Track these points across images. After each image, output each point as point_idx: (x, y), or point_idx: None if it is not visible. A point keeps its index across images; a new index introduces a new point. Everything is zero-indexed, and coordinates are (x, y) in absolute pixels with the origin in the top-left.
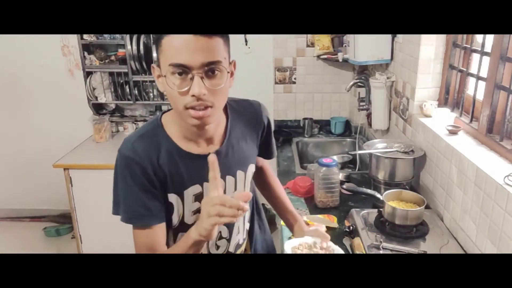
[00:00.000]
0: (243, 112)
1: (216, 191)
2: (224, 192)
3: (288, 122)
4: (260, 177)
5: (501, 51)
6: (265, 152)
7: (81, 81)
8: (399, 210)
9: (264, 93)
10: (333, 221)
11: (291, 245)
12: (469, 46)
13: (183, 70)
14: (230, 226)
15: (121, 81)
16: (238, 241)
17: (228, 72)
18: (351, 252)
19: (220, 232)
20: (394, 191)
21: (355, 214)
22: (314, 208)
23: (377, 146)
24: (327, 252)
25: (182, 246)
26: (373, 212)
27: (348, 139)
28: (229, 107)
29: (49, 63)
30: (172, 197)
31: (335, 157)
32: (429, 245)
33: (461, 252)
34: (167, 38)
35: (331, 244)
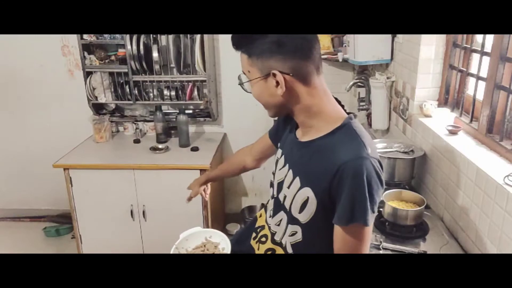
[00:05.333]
0: (343, 144)
1: None
2: (283, 180)
3: None
4: None
5: (501, 51)
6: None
7: (81, 81)
8: (399, 210)
9: None
10: None
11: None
12: (469, 46)
13: None
14: (275, 208)
15: (121, 81)
16: (275, 234)
17: (256, 79)
18: None
19: (269, 205)
20: (394, 191)
21: None
22: None
23: (377, 146)
24: None
25: None
26: None
27: None
28: (341, 128)
29: (49, 63)
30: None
31: None
32: (429, 245)
33: (461, 252)
34: None
35: None
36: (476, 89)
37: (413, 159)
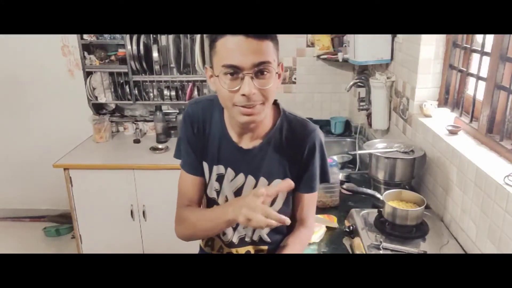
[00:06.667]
0: (294, 130)
1: (261, 198)
2: (241, 188)
3: None
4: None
5: (501, 51)
6: (301, 182)
7: (81, 81)
8: (399, 210)
9: None
10: (333, 221)
11: None
12: (469, 46)
13: (235, 70)
14: None
15: (121, 81)
16: (245, 237)
17: (277, 73)
18: (351, 252)
19: None
20: (394, 191)
21: (355, 214)
22: None
23: (377, 146)
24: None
25: (217, 216)
26: (373, 212)
27: (348, 139)
28: (283, 117)
29: (49, 63)
30: (205, 166)
31: (335, 157)
32: (429, 245)
33: (461, 252)
34: (221, 40)
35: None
36: (476, 89)
37: (413, 159)
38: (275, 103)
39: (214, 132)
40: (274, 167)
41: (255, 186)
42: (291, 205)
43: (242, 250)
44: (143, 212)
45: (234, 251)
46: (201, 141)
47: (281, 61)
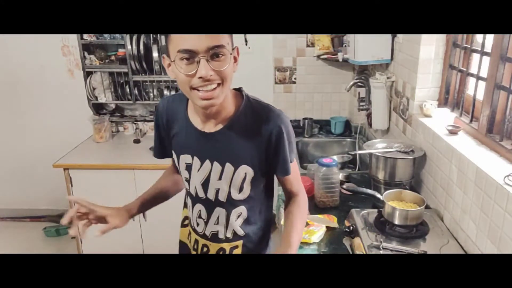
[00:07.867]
0: (258, 114)
1: None
2: (209, 176)
3: None
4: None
5: (501, 51)
6: (276, 167)
7: (81, 81)
8: (399, 210)
9: (264, 93)
10: (333, 221)
11: None
12: (469, 46)
13: (190, 55)
14: (208, 208)
15: (121, 81)
16: (217, 233)
17: (231, 54)
18: (351, 252)
19: (199, 210)
20: (394, 191)
21: (355, 214)
22: (314, 208)
23: (377, 146)
24: None
25: None
26: (373, 212)
27: (348, 139)
28: (246, 102)
29: (49, 63)
30: (174, 155)
31: (335, 157)
32: (429, 245)
33: (461, 252)
34: None
35: None
36: (476, 89)
37: (413, 159)
38: (239, 90)
39: (179, 122)
40: (239, 152)
41: (221, 172)
42: (259, 192)
43: (215, 247)
44: (143, 212)
45: (208, 243)
46: (169, 131)
47: (281, 57)
